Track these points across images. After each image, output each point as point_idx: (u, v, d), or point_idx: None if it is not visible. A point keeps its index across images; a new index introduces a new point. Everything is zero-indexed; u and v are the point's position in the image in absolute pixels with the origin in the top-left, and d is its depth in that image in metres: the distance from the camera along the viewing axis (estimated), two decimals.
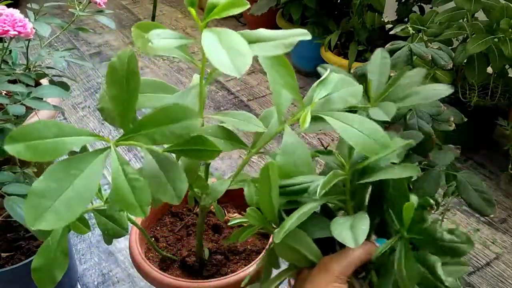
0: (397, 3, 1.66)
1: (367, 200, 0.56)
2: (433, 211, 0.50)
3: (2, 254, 0.94)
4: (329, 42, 1.72)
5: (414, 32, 1.13)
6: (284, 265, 0.59)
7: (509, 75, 1.34)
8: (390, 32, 1.19)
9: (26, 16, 0.87)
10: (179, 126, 0.46)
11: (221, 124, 0.63)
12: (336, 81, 0.59)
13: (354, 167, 0.54)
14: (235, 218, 0.62)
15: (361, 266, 0.53)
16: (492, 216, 1.10)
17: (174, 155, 0.54)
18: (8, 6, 0.86)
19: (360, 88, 0.59)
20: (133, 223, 0.81)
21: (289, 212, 0.54)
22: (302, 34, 0.48)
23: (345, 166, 0.54)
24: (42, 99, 0.85)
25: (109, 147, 0.47)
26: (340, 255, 0.51)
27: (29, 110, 0.91)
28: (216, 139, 0.60)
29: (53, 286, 0.57)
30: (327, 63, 1.74)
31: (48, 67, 1.02)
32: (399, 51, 0.97)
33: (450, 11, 1.26)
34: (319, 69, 0.68)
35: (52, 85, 0.92)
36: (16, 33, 0.81)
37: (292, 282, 0.57)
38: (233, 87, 1.88)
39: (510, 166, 1.25)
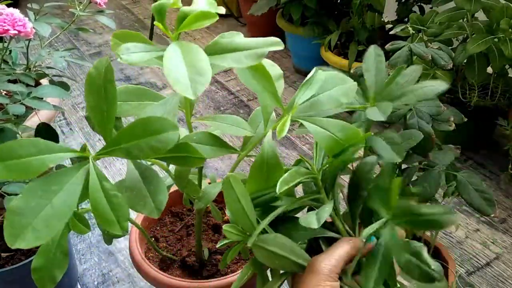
0: (397, 3, 1.66)
1: (345, 192, 0.57)
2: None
3: (2, 254, 0.94)
4: (329, 42, 1.72)
5: (414, 32, 1.13)
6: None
7: (509, 75, 1.34)
8: (390, 32, 1.18)
9: (26, 16, 0.87)
10: (156, 139, 0.44)
11: (207, 130, 0.61)
12: (322, 81, 0.57)
13: (324, 166, 0.55)
14: (222, 239, 0.61)
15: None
16: (492, 216, 1.10)
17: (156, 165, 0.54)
18: (8, 6, 0.86)
19: (353, 85, 0.58)
20: (133, 223, 0.81)
21: (274, 225, 0.55)
22: (274, 44, 0.48)
23: (312, 166, 0.55)
24: (42, 99, 0.85)
25: (89, 163, 0.46)
26: (327, 254, 0.52)
27: (29, 110, 0.91)
28: (202, 146, 0.59)
29: (53, 286, 0.57)
30: (327, 63, 1.74)
31: (48, 67, 1.02)
32: (399, 51, 0.97)
33: (450, 11, 1.26)
34: (318, 71, 0.68)
35: (52, 85, 0.92)
36: (16, 32, 0.81)
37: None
38: (233, 87, 1.88)
39: (510, 166, 1.25)
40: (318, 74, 0.58)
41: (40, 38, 0.99)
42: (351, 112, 0.74)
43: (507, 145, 1.25)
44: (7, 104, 0.82)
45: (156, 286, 0.79)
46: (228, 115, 0.64)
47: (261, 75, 0.52)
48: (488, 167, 1.42)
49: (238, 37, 0.50)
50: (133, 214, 0.73)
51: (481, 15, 1.27)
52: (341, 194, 0.61)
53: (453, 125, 0.76)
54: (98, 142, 1.61)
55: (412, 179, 0.77)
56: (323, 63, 1.75)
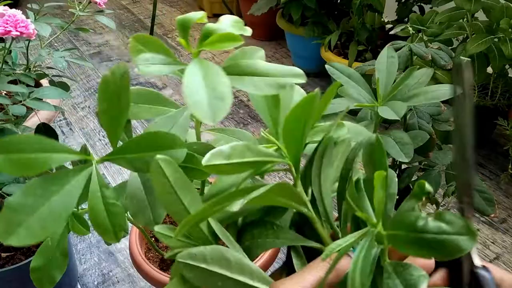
0: (397, 3, 1.66)
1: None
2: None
3: (2, 254, 0.94)
4: (329, 42, 1.72)
5: (414, 32, 1.13)
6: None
7: (509, 75, 1.34)
8: (390, 32, 1.19)
9: (26, 16, 0.87)
10: (161, 155, 0.43)
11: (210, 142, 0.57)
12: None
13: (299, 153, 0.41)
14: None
15: None
16: (492, 216, 1.10)
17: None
18: (8, 6, 0.86)
19: None
20: (133, 223, 0.81)
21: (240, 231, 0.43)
22: (297, 76, 0.44)
23: (284, 152, 0.40)
24: (42, 99, 0.85)
25: (91, 166, 0.45)
26: (293, 280, 0.36)
27: (29, 110, 0.91)
28: (200, 157, 0.55)
29: (51, 287, 0.57)
30: (327, 63, 1.74)
31: (48, 67, 1.03)
32: (399, 51, 0.97)
33: (450, 11, 1.26)
34: (327, 67, 0.68)
35: (52, 86, 0.92)
36: (18, 33, 0.81)
37: None
38: (232, 87, 1.88)
39: (510, 166, 1.25)
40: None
41: (40, 38, 0.99)
42: (354, 113, 0.74)
43: (507, 145, 1.25)
44: (7, 104, 0.82)
45: (156, 286, 0.79)
46: (238, 130, 0.59)
47: (274, 103, 0.48)
48: (488, 167, 1.42)
49: (258, 60, 0.46)
50: None
51: (481, 15, 1.27)
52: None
53: (453, 125, 0.76)
54: (98, 142, 1.61)
55: (412, 179, 0.77)
56: (323, 63, 1.75)
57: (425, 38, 1.16)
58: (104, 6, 0.98)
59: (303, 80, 0.43)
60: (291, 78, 0.43)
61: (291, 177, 0.41)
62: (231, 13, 2.43)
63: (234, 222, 0.45)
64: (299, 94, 0.51)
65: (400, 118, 0.57)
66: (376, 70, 0.65)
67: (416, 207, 0.36)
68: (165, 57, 0.45)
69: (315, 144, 0.42)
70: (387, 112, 0.58)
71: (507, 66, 1.31)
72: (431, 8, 1.36)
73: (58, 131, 1.65)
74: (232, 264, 0.38)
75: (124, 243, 1.21)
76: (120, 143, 0.45)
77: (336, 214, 0.43)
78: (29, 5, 0.97)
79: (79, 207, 0.63)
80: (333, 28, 1.77)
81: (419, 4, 1.62)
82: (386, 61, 0.66)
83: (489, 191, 0.74)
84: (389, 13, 1.70)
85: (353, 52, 1.63)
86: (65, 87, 0.97)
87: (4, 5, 0.84)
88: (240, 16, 2.41)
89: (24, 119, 0.96)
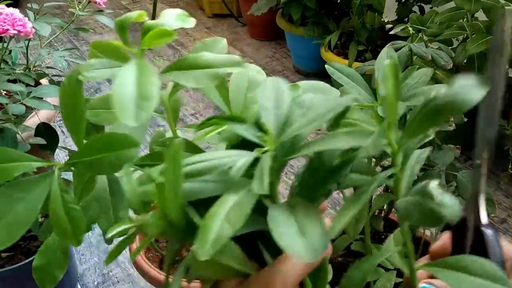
0: (397, 3, 1.66)
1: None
2: None
3: (2, 254, 0.94)
4: (329, 42, 1.72)
5: (414, 32, 1.13)
6: None
7: (509, 75, 1.34)
8: (390, 32, 1.19)
9: (26, 16, 0.87)
10: (114, 156, 0.44)
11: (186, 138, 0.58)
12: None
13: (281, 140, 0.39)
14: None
15: None
16: (492, 216, 1.10)
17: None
18: (8, 5, 0.86)
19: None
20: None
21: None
22: (235, 64, 0.45)
23: (268, 136, 0.39)
24: (42, 98, 0.85)
25: (53, 173, 0.46)
26: (276, 268, 0.36)
27: (29, 109, 0.91)
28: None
29: (53, 286, 0.57)
30: (327, 63, 1.74)
31: (48, 67, 1.02)
32: (399, 51, 0.97)
33: (450, 11, 1.26)
34: (327, 66, 0.68)
35: (52, 85, 0.92)
36: (16, 32, 0.81)
37: None
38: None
39: (510, 166, 1.25)
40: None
41: (40, 38, 0.99)
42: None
43: (507, 145, 1.25)
44: (7, 104, 0.82)
45: (155, 285, 0.79)
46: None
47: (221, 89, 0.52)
48: (488, 167, 1.42)
49: (204, 52, 0.47)
50: (132, 213, 0.73)
51: (481, 15, 1.27)
52: None
53: (453, 125, 0.76)
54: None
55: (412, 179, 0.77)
56: (323, 63, 1.75)
57: (425, 38, 1.16)
58: (104, 6, 0.98)
59: (241, 68, 0.45)
60: (230, 67, 0.45)
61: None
62: (231, 13, 2.43)
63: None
64: (256, 70, 0.55)
65: (400, 117, 0.57)
66: (376, 70, 0.65)
67: None
68: (110, 61, 0.47)
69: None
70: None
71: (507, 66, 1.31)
72: (431, 8, 1.36)
73: (58, 131, 1.65)
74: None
75: None
76: None
77: None
78: (29, 5, 0.97)
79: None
80: (333, 28, 1.77)
81: (419, 4, 1.62)
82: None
83: (489, 191, 0.74)
84: (389, 13, 1.70)
85: (353, 52, 1.63)
86: None
87: (4, 5, 0.84)
88: (240, 16, 2.41)
89: (24, 118, 0.96)
